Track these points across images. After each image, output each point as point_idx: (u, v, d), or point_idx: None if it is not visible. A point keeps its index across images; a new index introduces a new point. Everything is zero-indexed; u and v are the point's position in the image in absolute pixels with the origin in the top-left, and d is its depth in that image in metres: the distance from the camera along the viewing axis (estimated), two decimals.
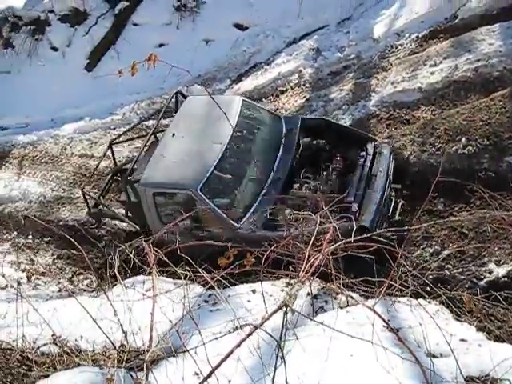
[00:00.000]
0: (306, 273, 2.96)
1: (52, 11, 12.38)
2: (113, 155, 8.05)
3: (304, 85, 9.48)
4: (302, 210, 6.02)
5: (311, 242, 3.38)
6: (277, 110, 9.16)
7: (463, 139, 7.15)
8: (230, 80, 10.29)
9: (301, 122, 6.92)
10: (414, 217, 6.31)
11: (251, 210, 6.29)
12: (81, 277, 7.86)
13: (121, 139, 8.42)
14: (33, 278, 8.22)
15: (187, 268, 4.11)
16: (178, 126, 7.07)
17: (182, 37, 11.19)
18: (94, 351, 4.45)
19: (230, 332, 2.92)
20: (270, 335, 2.79)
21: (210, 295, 4.76)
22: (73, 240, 4.17)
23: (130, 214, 7.31)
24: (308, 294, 4.70)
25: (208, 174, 6.30)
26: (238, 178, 6.53)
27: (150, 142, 7.52)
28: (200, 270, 3.71)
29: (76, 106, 11.05)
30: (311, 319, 3.52)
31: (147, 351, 3.02)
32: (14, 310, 4.69)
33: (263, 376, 3.11)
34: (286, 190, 6.41)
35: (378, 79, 8.75)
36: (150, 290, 4.73)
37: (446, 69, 8.11)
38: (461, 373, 3.47)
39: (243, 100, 7.06)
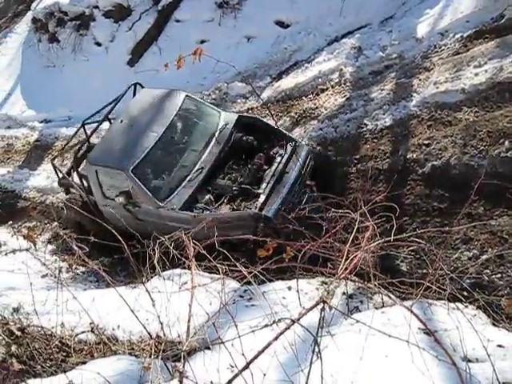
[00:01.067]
0: (345, 270, 2.95)
1: (97, 7, 12.62)
2: (86, 134, 8.71)
3: (345, 83, 9.40)
4: (221, 197, 6.92)
5: (350, 239, 3.37)
6: (316, 108, 9.13)
7: (506, 142, 6.99)
8: (270, 77, 10.28)
9: (237, 119, 7.63)
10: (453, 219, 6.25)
11: (175, 193, 7.09)
12: (118, 268, 7.98)
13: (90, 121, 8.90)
14: (72, 267, 8.39)
15: (223, 262, 4.15)
16: (127, 114, 7.92)
17: (223, 33, 11.24)
18: (130, 341, 4.53)
19: (267, 325, 2.92)
20: (308, 330, 2.80)
21: (245, 290, 4.79)
22: (113, 231, 4.20)
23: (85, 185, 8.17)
24: (343, 293, 4.69)
25: (140, 159, 7.15)
26: (169, 164, 7.33)
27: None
28: (238, 264, 3.73)
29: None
30: (349, 317, 3.50)
31: (186, 341, 3.06)
32: (54, 298, 4.79)
33: (297, 371, 3.12)
34: (211, 179, 7.18)
35: (420, 79, 8.62)
36: (186, 283, 4.79)
37: (490, 70, 7.92)
38: (497, 378, 3.42)
39: (186, 95, 7.79)
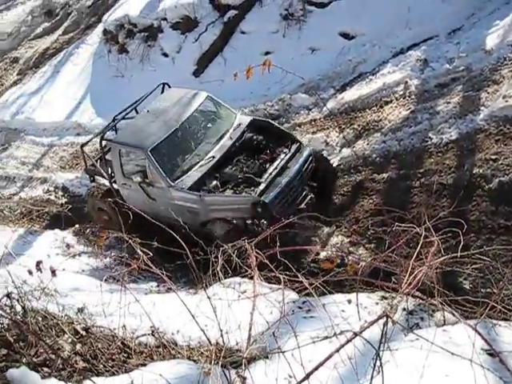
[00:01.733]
0: (409, 285, 2.90)
1: (165, 19, 12.95)
2: (115, 127, 9.54)
3: (409, 96, 9.26)
4: (227, 184, 7.71)
5: (414, 254, 3.32)
6: (380, 120, 9.04)
7: None
8: (333, 89, 10.24)
9: (250, 121, 8.40)
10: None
11: (185, 175, 7.89)
12: (179, 274, 8.11)
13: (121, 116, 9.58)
14: (135, 272, 8.58)
15: (284, 272, 4.16)
16: (154, 106, 8.84)
17: (287, 45, 11.30)
18: (189, 346, 4.60)
19: (327, 337, 2.91)
20: (370, 344, 2.77)
21: (304, 302, 4.78)
22: (178, 237, 4.29)
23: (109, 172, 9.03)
24: (404, 308, 4.61)
25: (158, 142, 7.99)
26: (183, 150, 8.19)
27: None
28: (299, 275, 3.74)
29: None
30: (413, 332, 3.43)
31: (246, 348, 3.09)
32: (117, 301, 4.92)
33: None
34: (221, 168, 7.94)
35: (488, 92, 8.39)
36: (245, 291, 4.84)
37: None
38: None
39: (207, 95, 8.65)
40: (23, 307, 4.68)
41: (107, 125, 9.57)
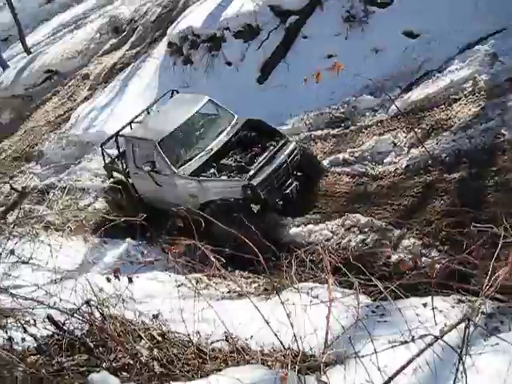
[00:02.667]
0: (490, 287, 2.80)
1: (227, 28, 13.11)
2: (130, 126, 10.64)
3: (479, 92, 8.99)
4: (223, 172, 8.93)
5: (495, 253, 3.21)
6: (449, 119, 8.82)
7: None
8: (399, 89, 10.06)
9: (246, 121, 9.52)
10: None
11: (187, 164, 9.15)
12: (249, 280, 8.17)
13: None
14: (204, 278, 8.73)
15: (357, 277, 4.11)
16: (164, 107, 10.45)
17: (350, 47, 11.19)
18: (262, 351, 4.62)
19: (407, 342, 2.85)
20: (452, 348, 2.70)
21: (377, 306, 4.70)
22: (251, 243, 4.32)
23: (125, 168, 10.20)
24: (482, 312, 4.46)
25: (165, 135, 9.31)
26: (186, 144, 9.45)
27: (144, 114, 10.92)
28: (373, 279, 3.69)
29: (248, 116, 11.56)
30: (496, 336, 3.31)
31: (323, 353, 3.08)
32: (190, 307, 5.01)
33: None
34: (218, 160, 9.15)
35: None
36: (317, 296, 4.81)
37: None
38: None
39: (209, 99, 9.85)
40: (102, 314, 4.84)
41: (124, 125, 10.66)
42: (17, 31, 22.34)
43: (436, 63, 10.13)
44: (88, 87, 17.39)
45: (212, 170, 9.05)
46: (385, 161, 9.01)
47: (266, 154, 8.90)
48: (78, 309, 4.75)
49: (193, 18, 14.24)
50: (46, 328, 5.39)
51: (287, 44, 12.28)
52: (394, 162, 8.88)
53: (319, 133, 10.40)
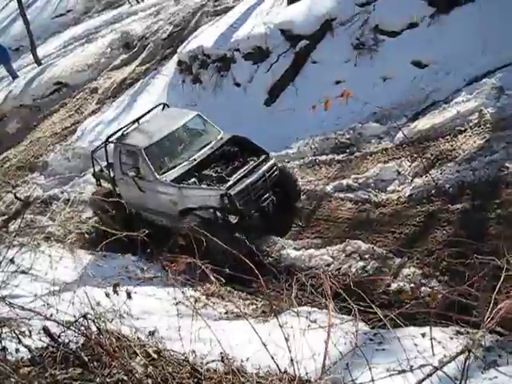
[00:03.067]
0: (491, 320, 2.78)
1: (237, 50, 13.25)
2: (122, 133, 10.81)
3: (484, 125, 9.02)
4: (203, 181, 9.31)
5: (497, 286, 3.20)
6: (454, 150, 8.84)
7: None
8: (405, 118, 10.12)
9: (230, 137, 9.87)
10: None
11: (170, 172, 9.52)
12: (247, 302, 8.13)
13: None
14: (202, 297, 8.69)
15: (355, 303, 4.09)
16: (153, 119, 10.93)
17: (359, 74, 11.28)
18: (258, 374, 4.58)
19: (405, 371, 2.83)
20: (451, 379, 2.67)
21: (375, 334, 4.67)
22: (252, 265, 4.31)
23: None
24: (481, 345, 4.42)
25: (150, 143, 9.75)
26: (170, 153, 9.86)
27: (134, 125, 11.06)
28: (373, 306, 3.67)
29: (253, 138, 11.49)
30: (496, 369, 3.28)
31: (320, 379, 3.05)
32: (186, 325, 4.97)
33: None
34: (200, 170, 9.54)
35: None
36: (315, 321, 4.78)
37: None
38: None
39: (197, 114, 10.35)
40: (98, 328, 4.81)
41: (113, 132, 11.18)
42: (28, 42, 22.59)
43: (443, 94, 10.19)
44: (96, 101, 17.52)
45: (193, 179, 9.45)
46: (388, 189, 9.01)
47: (246, 167, 9.31)
48: (75, 322, 4.72)
49: (204, 38, 14.40)
50: (40, 340, 5.36)
51: (296, 68, 12.37)
52: (398, 191, 8.88)
53: (324, 158, 10.43)
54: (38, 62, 21.89)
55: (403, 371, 2.84)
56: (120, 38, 19.63)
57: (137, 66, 18.06)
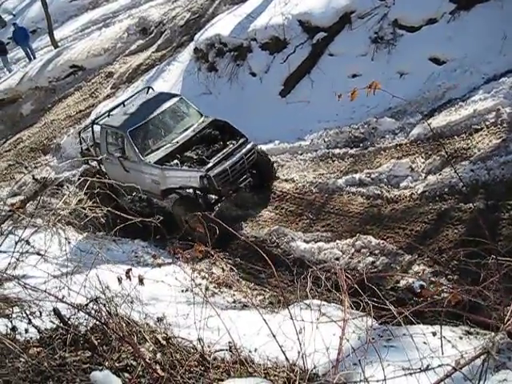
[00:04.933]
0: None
1: (254, 39, 13.18)
2: (109, 115, 11.55)
3: (501, 124, 8.94)
4: (186, 163, 9.76)
5: None
6: (469, 148, 8.78)
7: None
8: (421, 114, 10.06)
9: (211, 120, 10.39)
10: None
11: (153, 153, 10.03)
12: (255, 292, 8.15)
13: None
14: (211, 286, 8.73)
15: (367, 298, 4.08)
16: (137, 101, 11.19)
17: (375, 68, 11.19)
18: (265, 365, 4.59)
19: (421, 370, 2.82)
20: (469, 380, 2.67)
21: (384, 330, 4.67)
22: (265, 256, 4.30)
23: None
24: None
25: (135, 126, 10.17)
26: (154, 136, 10.36)
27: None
28: (387, 302, 3.66)
29: (267, 128, 11.60)
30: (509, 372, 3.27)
31: (333, 374, 3.05)
32: (195, 313, 4.98)
33: None
34: (182, 152, 10.00)
35: None
36: (324, 314, 4.78)
37: None
38: None
39: (180, 97, 10.93)
40: (109, 312, 4.84)
41: (101, 114, 11.85)
42: (45, 24, 22.62)
43: (460, 92, 10.11)
44: (111, 85, 17.55)
45: (175, 161, 9.89)
46: (401, 185, 8.97)
47: (225, 150, 9.77)
48: (86, 305, 4.76)
49: (221, 26, 14.33)
50: (51, 321, 5.41)
51: (313, 60, 12.31)
52: (410, 187, 8.84)
53: (337, 151, 10.40)
54: (54, 44, 21.94)
55: (421, 370, 2.83)
56: (137, 24, 19.61)
57: (153, 52, 18.03)
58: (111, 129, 10.66)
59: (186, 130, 10.36)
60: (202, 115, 10.65)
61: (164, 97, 11.20)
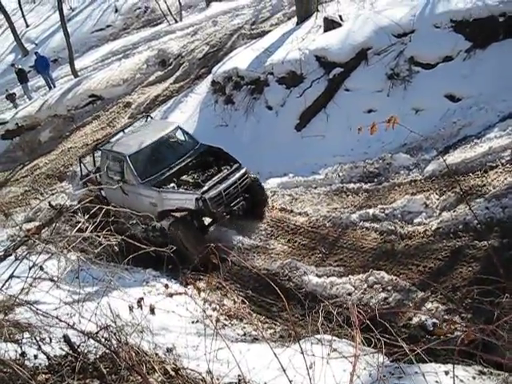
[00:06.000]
0: None
1: (271, 73, 13.36)
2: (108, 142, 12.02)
3: None
4: (181, 186, 10.34)
5: None
6: (484, 185, 8.74)
7: None
8: (436, 151, 10.06)
9: (207, 147, 10.99)
10: None
11: (151, 177, 10.50)
12: (265, 325, 8.08)
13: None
14: (221, 318, 8.67)
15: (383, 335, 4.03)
16: (137, 129, 11.94)
17: (391, 104, 11.25)
18: None
19: None
20: None
21: (396, 368, 4.60)
22: (277, 289, 4.28)
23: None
24: None
25: (135, 151, 10.77)
26: (152, 161, 10.86)
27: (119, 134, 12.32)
28: (399, 339, 3.62)
29: (282, 162, 11.67)
30: None
31: None
32: (204, 345, 4.94)
33: None
34: (178, 176, 10.58)
35: None
36: (334, 350, 4.72)
37: None
38: None
39: (178, 126, 11.56)
40: (119, 341, 4.82)
41: (102, 140, 12.45)
42: (66, 54, 23.13)
43: (475, 129, 10.12)
44: (129, 115, 17.79)
45: (172, 184, 10.46)
46: (415, 221, 8.93)
47: (219, 174, 10.30)
48: (97, 333, 4.75)
49: (239, 60, 14.55)
50: (60, 348, 5.40)
51: (329, 95, 12.41)
52: (424, 223, 8.79)
53: (351, 186, 10.40)
54: (74, 73, 22.38)
55: None
56: (156, 55, 19.98)
57: (171, 84, 18.32)
58: (112, 153, 11.17)
59: (183, 156, 10.88)
60: (197, 142, 11.20)
61: (162, 125, 12.13)
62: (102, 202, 10.82)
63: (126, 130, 12.23)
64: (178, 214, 10.22)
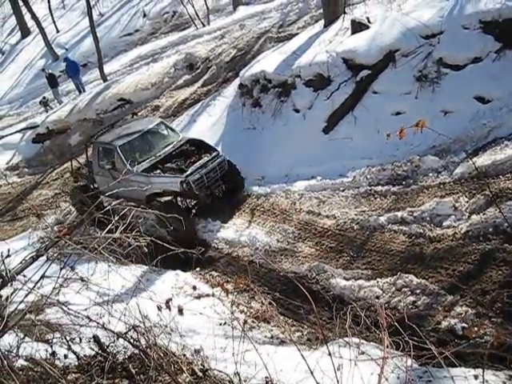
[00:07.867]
0: None
1: (299, 76, 13.34)
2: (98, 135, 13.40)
3: None
4: (167, 172, 11.67)
5: None
6: None
7: None
8: (465, 153, 9.94)
9: (188, 139, 12.52)
10: None
11: (139, 165, 11.77)
12: (293, 328, 8.08)
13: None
14: (249, 320, 8.69)
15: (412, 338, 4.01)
16: (128, 123, 13.43)
17: (419, 107, 11.15)
18: None
19: None
20: None
21: (424, 371, 4.55)
22: (305, 292, 4.28)
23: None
24: None
25: (124, 142, 12.16)
26: (140, 150, 12.23)
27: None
28: (428, 342, 3.59)
29: (310, 164, 11.65)
30: None
31: None
32: (231, 347, 4.96)
33: None
34: (163, 163, 11.90)
35: None
36: (363, 353, 4.70)
37: None
38: None
39: (161, 121, 13.17)
40: (147, 341, 4.88)
41: (93, 134, 13.64)
42: (96, 58, 23.47)
43: (506, 131, 9.96)
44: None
45: (158, 171, 11.80)
46: (444, 224, 8.83)
47: (201, 161, 11.61)
48: (126, 333, 4.81)
49: (266, 63, 14.57)
50: (90, 348, 5.48)
51: (356, 97, 12.34)
52: (453, 226, 8.69)
53: (379, 188, 10.33)
54: (103, 78, 22.69)
55: None
56: (184, 59, 20.14)
57: (199, 87, 18.45)
58: (103, 145, 12.57)
59: (167, 146, 12.29)
60: (179, 135, 12.72)
61: (147, 120, 13.69)
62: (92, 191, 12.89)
63: (114, 126, 13.68)
64: (162, 199, 11.53)
